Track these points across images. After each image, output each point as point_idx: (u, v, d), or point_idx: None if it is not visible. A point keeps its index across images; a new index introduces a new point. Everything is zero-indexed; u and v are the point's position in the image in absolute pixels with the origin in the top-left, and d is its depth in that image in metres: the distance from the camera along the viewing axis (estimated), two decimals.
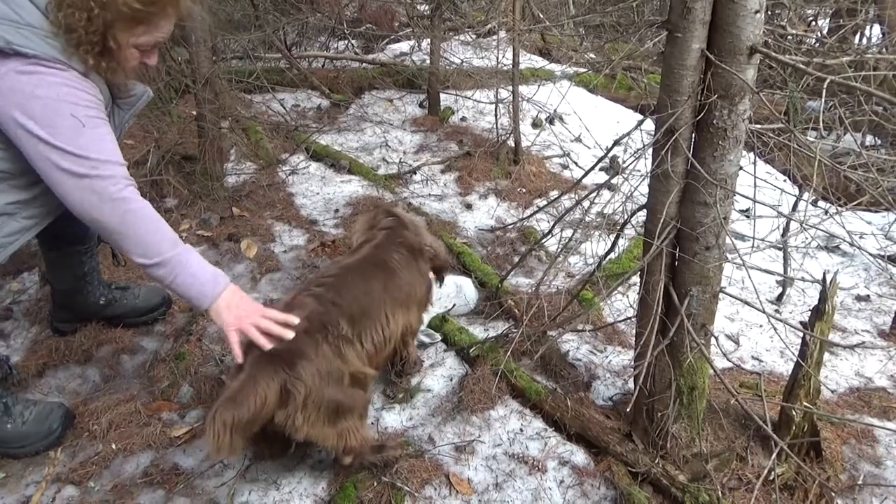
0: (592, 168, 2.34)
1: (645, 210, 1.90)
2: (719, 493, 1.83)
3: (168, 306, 2.72)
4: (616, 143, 1.98)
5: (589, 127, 4.40)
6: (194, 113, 3.57)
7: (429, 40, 4.59)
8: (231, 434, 1.65)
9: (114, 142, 1.79)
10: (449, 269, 2.56)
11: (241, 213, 3.33)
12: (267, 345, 1.78)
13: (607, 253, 2.20)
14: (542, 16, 5.61)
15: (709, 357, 1.91)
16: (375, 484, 1.95)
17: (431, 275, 2.36)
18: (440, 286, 2.52)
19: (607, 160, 3.79)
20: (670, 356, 1.93)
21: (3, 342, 2.64)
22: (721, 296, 1.91)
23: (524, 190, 3.82)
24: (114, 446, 2.15)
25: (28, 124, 1.65)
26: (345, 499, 1.89)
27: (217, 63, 3.26)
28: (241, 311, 1.81)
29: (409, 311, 2.17)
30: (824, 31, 5.69)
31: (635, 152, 1.92)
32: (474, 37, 5.50)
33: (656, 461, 1.96)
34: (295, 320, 1.82)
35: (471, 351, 2.43)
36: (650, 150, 1.83)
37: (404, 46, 5.54)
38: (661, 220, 1.76)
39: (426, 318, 2.58)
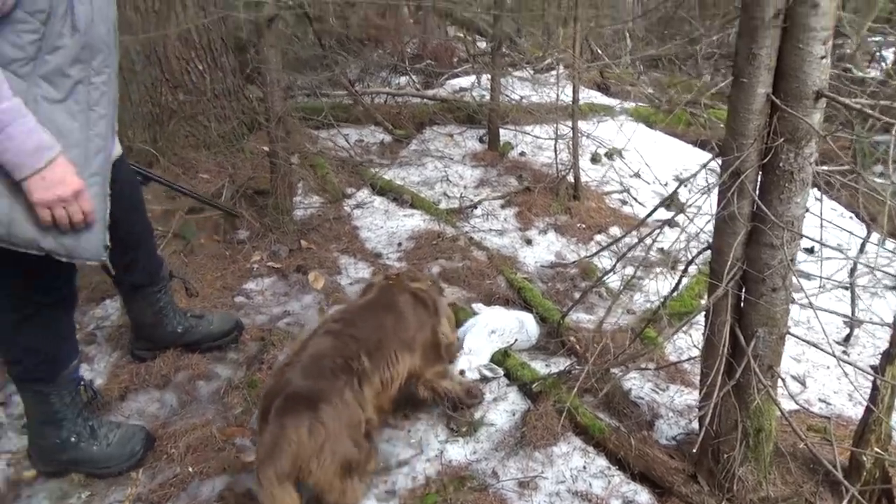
0: (657, 208, 2.36)
1: (709, 250, 1.92)
2: None
3: (240, 331, 2.84)
4: (681, 184, 2.01)
5: (648, 162, 4.42)
6: (266, 149, 3.75)
7: (488, 76, 4.70)
8: (282, 486, 1.73)
9: None
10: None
11: (309, 246, 3.45)
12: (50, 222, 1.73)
13: (671, 292, 2.22)
14: (600, 52, 5.67)
15: (776, 399, 1.91)
16: None
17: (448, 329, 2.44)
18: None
19: (666, 193, 3.80)
20: (736, 397, 1.93)
21: (87, 366, 2.80)
22: (787, 336, 1.90)
23: (584, 225, 3.85)
24: (190, 469, 2.25)
25: None
26: None
27: (288, 101, 3.40)
28: (61, 192, 1.72)
29: (414, 355, 2.25)
30: (889, 62, 5.60)
31: (700, 191, 1.94)
32: (533, 72, 5.59)
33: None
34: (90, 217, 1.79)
35: (533, 386, 2.46)
36: (714, 190, 1.86)
37: (464, 82, 5.66)
38: (728, 262, 1.78)
39: (475, 358, 2.63)
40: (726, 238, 1.82)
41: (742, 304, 1.88)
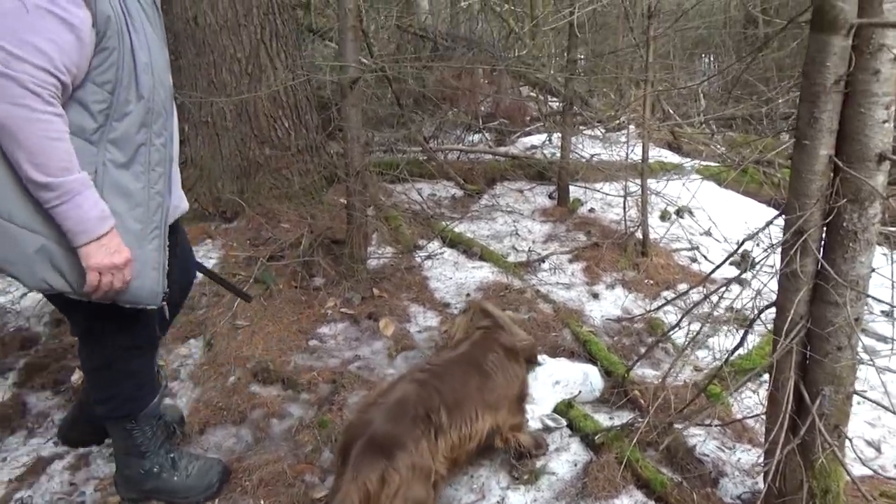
0: (723, 263, 2.40)
1: (774, 307, 1.94)
2: None
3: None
4: (746, 239, 2.05)
5: (718, 221, 4.41)
6: (343, 201, 3.95)
7: (559, 134, 4.82)
8: None
9: (58, 43, 1.66)
10: (538, 362, 2.76)
11: (381, 294, 3.59)
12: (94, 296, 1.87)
13: (735, 348, 2.23)
14: (671, 111, 5.73)
15: (842, 459, 1.89)
16: None
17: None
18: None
19: (738, 255, 3.79)
20: (802, 456, 1.91)
21: (170, 401, 2.98)
22: (861, 400, 1.89)
23: (652, 282, 3.87)
24: (262, 502, 2.36)
25: None
26: None
27: (367, 156, 3.60)
28: (118, 261, 1.84)
29: (498, 413, 2.31)
30: None
31: (765, 250, 1.98)
32: (604, 131, 5.69)
33: None
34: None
35: (596, 438, 2.48)
36: (780, 248, 1.89)
37: (535, 140, 5.80)
38: (791, 319, 1.80)
39: (538, 408, 2.68)
40: (790, 295, 1.84)
41: (807, 362, 1.88)
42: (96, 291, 1.86)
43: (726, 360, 2.24)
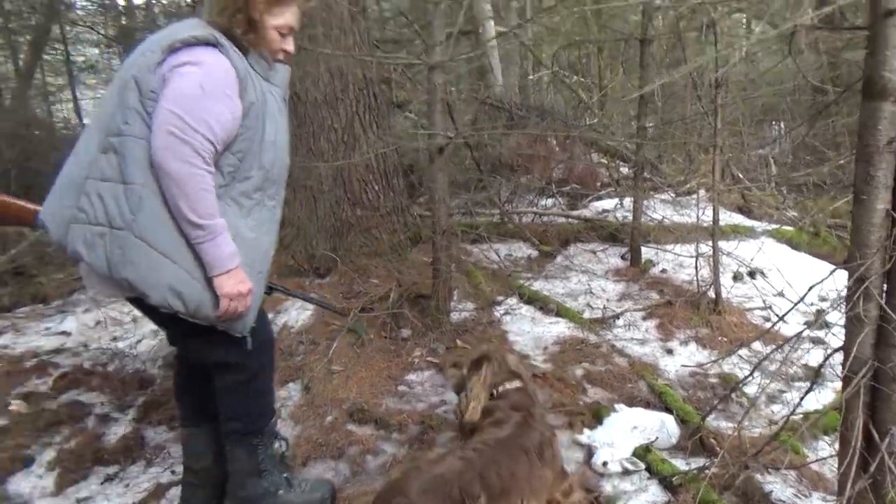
0: (787, 313, 2.55)
1: (841, 351, 2.09)
2: None
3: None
4: (810, 289, 2.21)
5: (792, 282, 4.50)
6: (426, 259, 4.25)
7: (630, 198, 5.04)
8: None
9: (220, 121, 2.09)
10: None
11: (464, 345, 3.82)
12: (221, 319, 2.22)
13: (806, 392, 2.36)
14: (741, 175, 5.89)
15: None
16: None
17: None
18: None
19: (810, 313, 3.89)
20: (873, 493, 2.02)
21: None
22: None
23: (725, 339, 3.98)
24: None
25: (167, 89, 2.07)
26: None
27: (451, 217, 3.90)
28: (243, 289, 2.23)
29: (545, 493, 2.32)
30: None
31: (832, 303, 2.14)
32: (674, 195, 5.87)
33: None
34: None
35: (674, 479, 2.61)
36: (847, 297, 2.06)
37: (607, 204, 6.03)
38: (857, 361, 1.95)
39: (616, 451, 2.82)
40: (855, 339, 1.99)
41: (875, 402, 2.01)
42: (226, 314, 2.24)
43: (797, 405, 2.36)
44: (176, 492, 2.95)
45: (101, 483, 3.22)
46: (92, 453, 3.39)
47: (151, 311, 2.32)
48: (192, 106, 2.05)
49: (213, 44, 2.14)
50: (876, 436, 1.99)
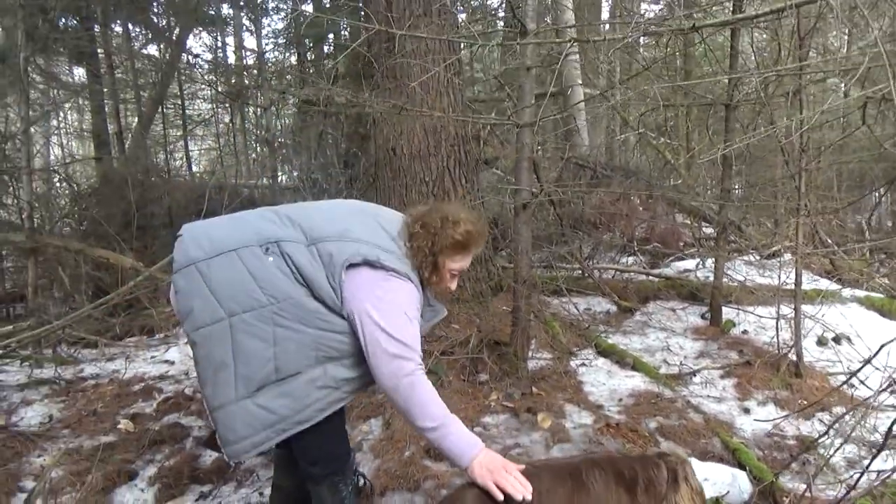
0: (853, 374, 2.56)
1: None
2: None
3: None
4: (882, 347, 2.25)
5: (887, 353, 4.39)
6: (506, 308, 4.42)
7: (712, 260, 5.08)
8: None
9: (419, 337, 2.31)
10: None
11: (539, 393, 3.94)
12: (500, 496, 2.12)
13: (877, 453, 2.37)
14: (829, 240, 5.81)
15: None
16: None
17: None
18: None
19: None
20: None
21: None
22: None
23: (805, 402, 3.93)
24: None
25: (374, 315, 2.25)
26: None
27: (533, 268, 4.06)
28: (492, 467, 2.19)
29: None
30: None
31: None
32: (758, 258, 5.84)
33: None
34: (529, 488, 2.13)
35: None
36: None
37: (689, 263, 6.06)
38: None
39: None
40: None
41: None
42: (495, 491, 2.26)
43: (868, 466, 2.37)
44: None
45: (196, 500, 3.48)
46: (189, 472, 3.66)
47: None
48: (405, 331, 2.26)
49: (410, 280, 2.38)
50: None
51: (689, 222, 6.82)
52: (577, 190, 5.35)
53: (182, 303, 2.37)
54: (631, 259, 6.26)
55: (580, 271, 5.72)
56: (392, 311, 2.28)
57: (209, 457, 3.80)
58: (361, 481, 3.02)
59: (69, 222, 7.23)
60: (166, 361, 5.17)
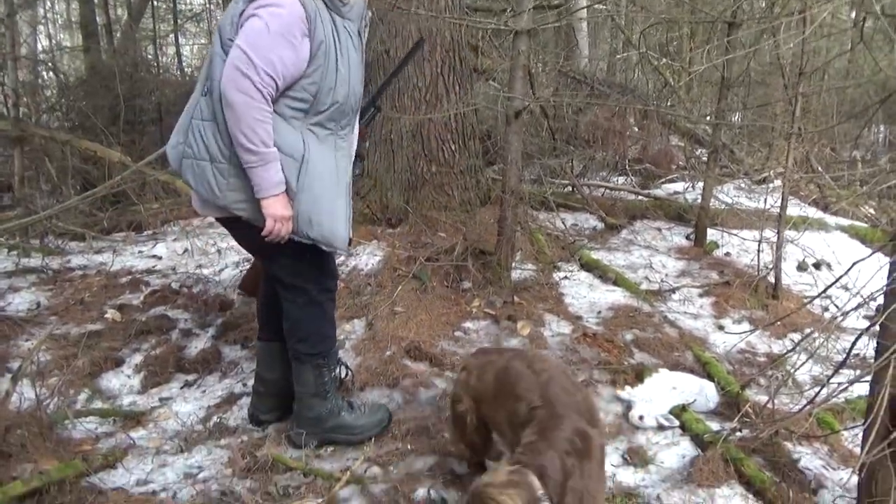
0: (828, 287, 2.61)
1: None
2: None
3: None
4: (853, 265, 2.29)
5: (859, 279, 4.47)
6: (492, 219, 4.44)
7: (702, 183, 5.07)
8: None
9: (284, 61, 2.33)
10: None
11: (520, 302, 4.00)
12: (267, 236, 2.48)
13: (836, 370, 2.45)
14: (820, 169, 5.81)
15: None
16: None
17: None
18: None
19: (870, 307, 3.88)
20: (893, 462, 2.12)
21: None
22: None
23: (780, 323, 4.02)
24: (409, 447, 2.82)
25: (242, 27, 2.35)
26: None
27: (522, 180, 4.06)
28: (281, 213, 2.45)
29: None
30: None
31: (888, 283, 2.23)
32: (748, 183, 5.85)
33: None
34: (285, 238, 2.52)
35: (705, 437, 2.75)
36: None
37: (678, 186, 6.06)
38: (889, 333, 2.05)
39: (653, 408, 2.97)
40: (892, 314, 2.08)
41: None
42: (271, 234, 2.49)
43: (830, 377, 2.46)
44: (246, 401, 3.27)
45: (181, 387, 3.59)
46: (174, 361, 3.75)
47: (240, 234, 2.66)
48: (259, 44, 2.31)
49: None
50: None
51: (682, 144, 6.78)
52: (571, 101, 5.29)
53: (202, 188, 2.53)
54: (622, 178, 6.25)
55: (570, 187, 5.71)
56: (255, 24, 2.33)
57: (195, 348, 3.89)
58: (344, 372, 3.10)
59: (56, 114, 7.10)
60: (154, 256, 5.19)
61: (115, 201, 6.03)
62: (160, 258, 5.16)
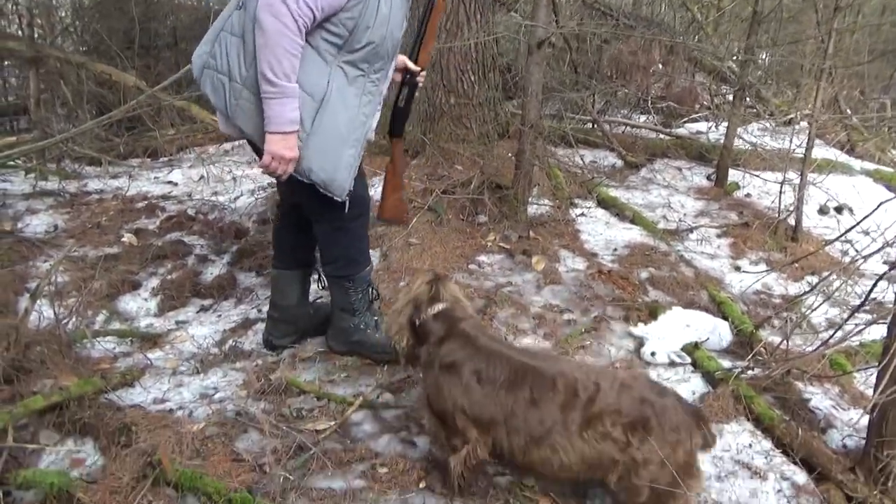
0: (845, 232, 2.56)
1: None
2: None
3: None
4: (880, 205, 2.24)
5: (881, 223, 4.39)
6: (510, 155, 4.38)
7: (726, 124, 4.95)
8: None
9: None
10: None
11: (536, 237, 3.98)
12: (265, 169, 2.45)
13: (852, 313, 2.42)
14: (849, 111, 5.65)
15: None
16: None
17: None
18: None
19: (888, 252, 3.82)
20: None
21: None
22: None
23: (797, 266, 3.98)
24: (420, 375, 2.84)
25: None
26: None
27: (541, 113, 3.98)
28: (285, 151, 2.39)
29: None
30: None
31: None
32: (773, 124, 5.70)
33: (875, 493, 2.14)
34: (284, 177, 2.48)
35: (716, 374, 2.76)
36: None
37: (702, 126, 5.93)
38: None
39: (665, 344, 2.97)
40: None
41: None
42: (266, 169, 2.45)
43: (847, 318, 2.43)
44: (260, 326, 3.31)
45: (197, 312, 3.63)
46: (191, 286, 3.79)
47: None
48: None
49: None
50: None
51: (707, 83, 6.60)
52: (596, 31, 5.13)
53: (217, 101, 2.46)
54: (644, 117, 6.12)
55: (590, 123, 5.60)
56: None
57: (210, 274, 3.92)
58: (375, 296, 3.09)
59: (71, 36, 7.00)
60: (169, 182, 5.20)
61: (131, 127, 6.00)
62: (176, 184, 5.17)
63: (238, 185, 4.96)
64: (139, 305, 3.67)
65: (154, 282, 3.82)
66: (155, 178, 5.32)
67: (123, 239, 4.24)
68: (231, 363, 3.04)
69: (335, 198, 2.59)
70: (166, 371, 3.00)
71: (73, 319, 3.11)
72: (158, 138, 5.65)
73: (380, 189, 3.12)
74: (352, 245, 2.83)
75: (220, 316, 3.55)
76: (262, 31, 2.24)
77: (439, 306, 2.28)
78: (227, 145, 6.06)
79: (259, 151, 2.50)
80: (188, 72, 4.68)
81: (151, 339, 3.29)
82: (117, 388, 2.74)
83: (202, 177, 5.18)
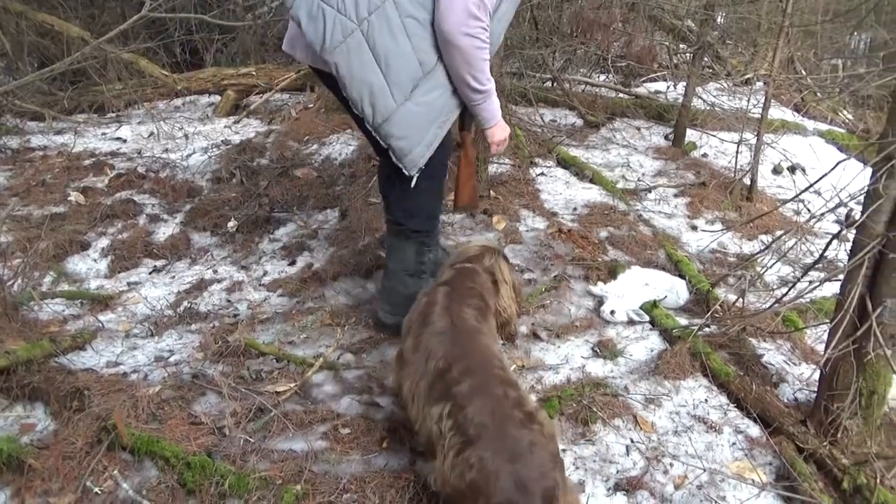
0: (802, 191, 2.60)
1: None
2: (878, 478, 2.05)
3: None
4: (835, 166, 2.27)
5: (834, 183, 4.49)
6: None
7: (684, 83, 4.97)
8: None
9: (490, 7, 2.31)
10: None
11: (496, 196, 3.96)
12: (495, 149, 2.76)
13: (805, 272, 2.47)
14: (804, 72, 5.72)
15: (893, 366, 2.13)
16: (575, 404, 2.41)
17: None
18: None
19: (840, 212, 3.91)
20: (856, 359, 2.17)
21: (309, 254, 3.50)
22: None
23: (752, 225, 4.05)
24: (382, 335, 2.83)
25: None
26: (550, 408, 2.37)
27: (503, 71, 3.92)
28: (501, 139, 2.66)
29: None
30: None
31: (863, 189, 2.21)
32: (730, 84, 5.75)
33: (824, 444, 2.21)
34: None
35: (674, 331, 2.80)
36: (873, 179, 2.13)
37: (660, 86, 5.94)
38: (867, 231, 2.05)
39: (624, 303, 2.99)
40: (872, 215, 2.08)
41: (876, 276, 2.12)
42: (495, 153, 2.98)
43: (804, 273, 2.48)
44: (216, 287, 3.24)
45: (150, 273, 3.54)
46: (143, 246, 3.69)
47: (341, 98, 2.51)
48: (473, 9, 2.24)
49: None
50: (870, 305, 2.11)
51: (668, 43, 6.59)
52: None
53: (311, 30, 2.32)
54: (603, 76, 6.10)
55: (550, 82, 5.57)
56: None
57: (163, 234, 3.82)
58: (442, 258, 3.00)
59: None
60: (118, 139, 5.01)
61: (76, 80, 5.74)
62: (125, 141, 4.99)
63: (190, 143, 4.81)
64: (89, 266, 3.56)
65: (104, 242, 3.70)
66: (102, 134, 5.12)
67: (70, 197, 4.09)
68: (186, 325, 2.97)
69: (404, 170, 2.52)
70: (119, 334, 2.92)
71: (19, 281, 2.99)
72: (105, 93, 5.42)
73: None
74: (436, 198, 2.80)
75: (173, 277, 3.46)
76: (459, 50, 2.29)
77: None
78: (178, 101, 5.86)
79: (338, 93, 2.48)
80: (136, 22, 4.51)
81: (102, 301, 3.20)
82: (68, 351, 2.65)
83: (152, 133, 5.01)
